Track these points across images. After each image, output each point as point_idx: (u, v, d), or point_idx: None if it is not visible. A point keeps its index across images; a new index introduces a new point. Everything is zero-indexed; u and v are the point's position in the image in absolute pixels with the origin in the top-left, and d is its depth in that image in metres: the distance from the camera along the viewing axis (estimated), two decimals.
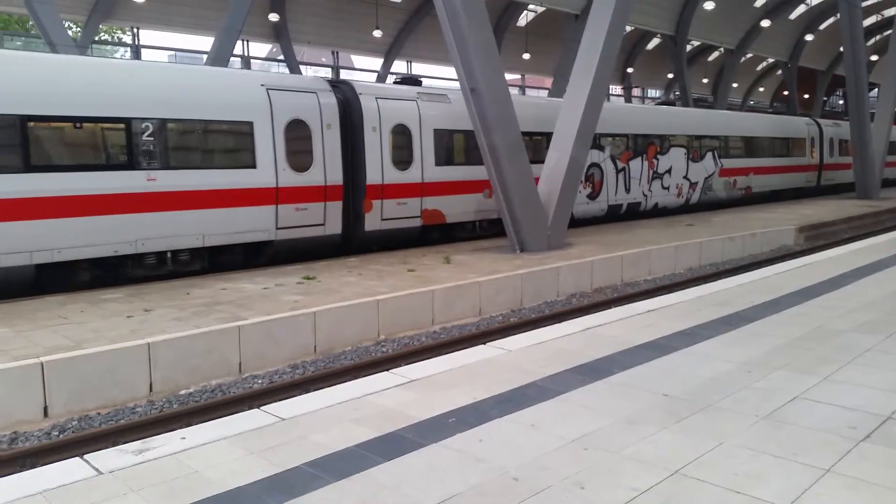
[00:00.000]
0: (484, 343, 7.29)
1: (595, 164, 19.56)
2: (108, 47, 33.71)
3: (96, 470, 4.14)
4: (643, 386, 5.42)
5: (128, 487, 3.89)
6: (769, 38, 43.19)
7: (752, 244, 17.74)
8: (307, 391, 7.21)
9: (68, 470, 4.19)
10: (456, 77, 13.98)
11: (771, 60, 52.39)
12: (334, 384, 6.94)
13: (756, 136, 27.04)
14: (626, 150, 20.71)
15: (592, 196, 19.72)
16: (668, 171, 22.46)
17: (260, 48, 36.61)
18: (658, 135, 22.08)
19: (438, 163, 15.75)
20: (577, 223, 18.17)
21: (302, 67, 32.74)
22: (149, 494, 3.80)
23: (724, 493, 3.68)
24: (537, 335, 7.30)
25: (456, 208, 16.25)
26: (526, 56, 36.95)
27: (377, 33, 31.71)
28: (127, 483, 3.95)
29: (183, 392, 7.84)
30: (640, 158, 21.19)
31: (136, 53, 29.76)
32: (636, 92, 49.81)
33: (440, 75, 38.26)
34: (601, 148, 19.61)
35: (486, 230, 17.13)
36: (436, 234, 16.28)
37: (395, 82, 19.54)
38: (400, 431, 4.59)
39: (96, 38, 28.40)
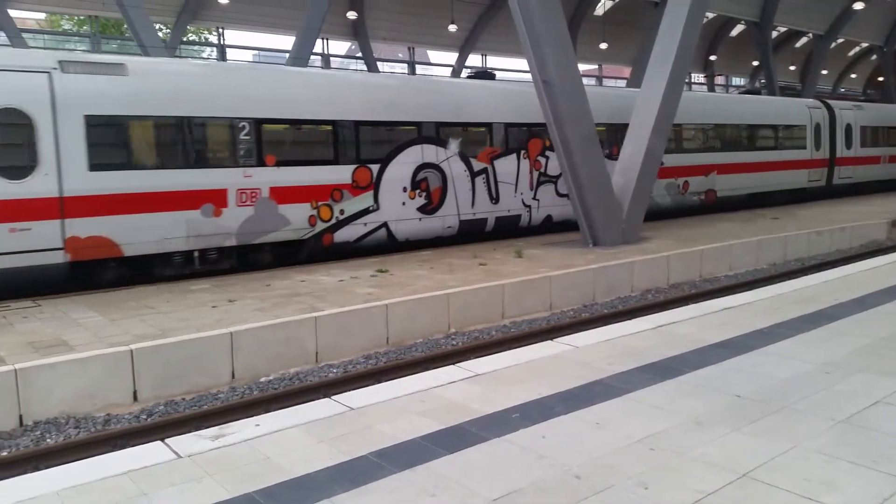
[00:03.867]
0: (552, 339, 7.25)
1: (430, 167, 14.68)
2: (196, 48, 35.16)
3: (175, 454, 4.39)
4: (715, 386, 5.28)
5: (204, 472, 4.11)
6: (863, 21, 40.66)
7: (840, 239, 16.86)
8: (379, 382, 7.39)
9: (150, 453, 4.46)
10: (529, 69, 13.89)
11: (865, 45, 49.41)
12: (404, 376, 7.10)
13: (719, 123, 21.09)
14: (491, 145, 15.70)
15: (428, 209, 14.70)
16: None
17: (339, 46, 37.36)
18: (542, 124, 15.87)
19: (101, 166, 10.83)
20: (408, 245, 14.61)
21: (378, 64, 33.21)
22: (222, 479, 4.00)
23: (794, 498, 3.56)
24: (607, 332, 7.21)
25: (142, 234, 11.22)
26: (603, 46, 36.21)
27: (452, 28, 31.81)
28: (203, 467, 4.17)
29: (263, 379, 8.17)
30: (515, 156, 16.11)
31: (222, 53, 30.96)
32: (719, 80, 48.04)
33: (515, 68, 38.06)
34: (442, 143, 14.81)
35: (215, 263, 12.20)
36: (109, 273, 11.34)
37: (469, 76, 19.58)
38: (464, 425, 4.65)
39: (184, 39, 29.67)
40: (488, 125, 15.74)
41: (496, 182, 15.79)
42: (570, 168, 13.93)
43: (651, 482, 3.79)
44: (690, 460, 4.04)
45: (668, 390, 5.25)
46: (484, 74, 18.79)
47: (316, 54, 28.90)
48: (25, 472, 5.48)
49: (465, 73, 33.37)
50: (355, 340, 9.14)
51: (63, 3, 26.80)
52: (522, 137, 16.24)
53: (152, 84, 11.50)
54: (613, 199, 14.64)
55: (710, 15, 36.34)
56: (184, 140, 11.73)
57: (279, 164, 12.59)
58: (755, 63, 44.89)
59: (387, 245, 14.23)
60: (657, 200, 18.80)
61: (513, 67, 38.23)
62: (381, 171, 13.93)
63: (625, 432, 4.46)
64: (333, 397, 5.42)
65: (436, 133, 14.74)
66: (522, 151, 16.26)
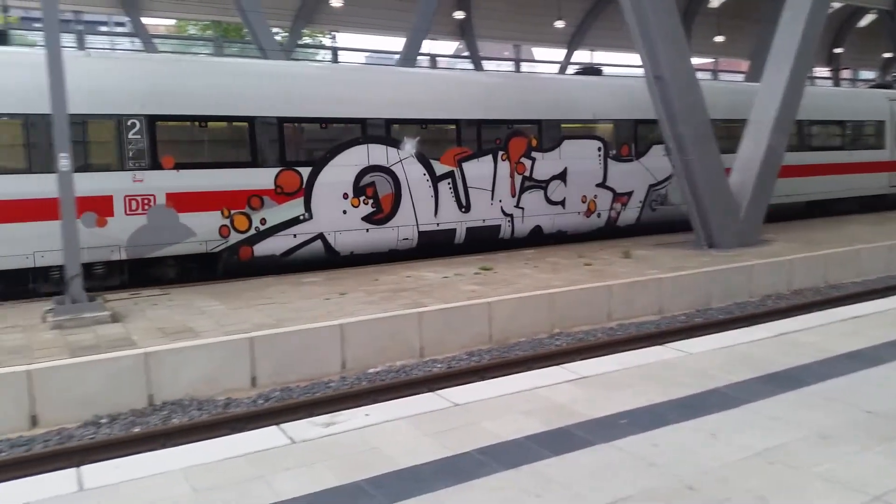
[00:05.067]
0: (662, 344, 7.02)
1: (378, 170, 12.78)
2: (310, 50, 36.52)
3: (290, 439, 4.58)
4: (842, 399, 4.93)
5: (315, 458, 4.26)
6: None
7: None
8: (482, 379, 7.40)
9: (266, 437, 4.69)
10: (641, 65, 13.49)
11: None
12: (507, 374, 7.09)
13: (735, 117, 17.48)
14: (459, 145, 13.65)
15: (376, 218, 12.86)
16: (559, 178, 14.87)
17: (444, 46, 37.72)
18: (537, 120, 14.53)
19: None
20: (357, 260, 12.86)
21: (483, 63, 33.28)
22: (333, 466, 4.14)
23: None
24: (723, 338, 6.90)
25: (8, 247, 10.00)
26: (719, 39, 34.62)
27: (559, 24, 31.38)
28: (315, 453, 4.33)
29: (371, 370, 8.40)
30: (490, 158, 13.98)
31: (335, 56, 32.00)
32: (846, 74, 44.76)
33: (625, 63, 37.08)
34: (393, 143, 12.91)
35: (103, 279, 10.84)
36: None
37: (576, 73, 19.26)
38: (570, 427, 4.59)
39: (299, 42, 30.90)
40: (454, 122, 13.59)
41: (466, 187, 13.70)
42: (684, 167, 13.44)
43: (770, 498, 3.59)
44: (813, 477, 3.80)
45: (789, 402, 4.96)
46: (590, 71, 18.41)
47: (424, 55, 29.30)
48: (154, 449, 5.90)
49: (571, 69, 32.88)
50: (458, 337, 9.21)
51: (190, 9, 28.54)
52: (500, 136, 14.10)
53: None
54: (730, 199, 13.98)
55: (836, 4, 33.89)
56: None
57: (179, 166, 10.94)
58: (887, 55, 41.48)
59: (327, 259, 12.49)
60: (682, 209, 15.50)
61: (622, 63, 37.27)
62: (313, 175, 12.12)
63: (742, 444, 4.25)
64: (438, 392, 5.50)
65: (385, 131, 12.79)
66: (500, 152, 14.05)
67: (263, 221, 11.74)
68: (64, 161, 8.60)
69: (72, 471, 4.29)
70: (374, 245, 12.92)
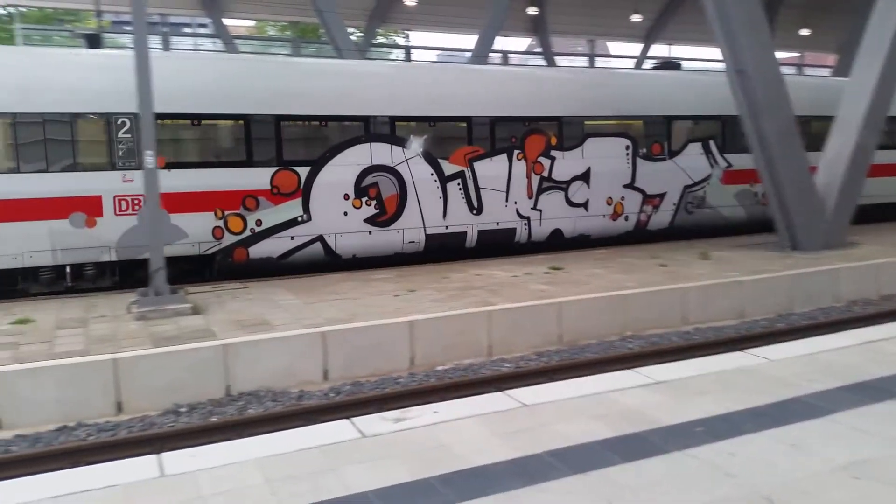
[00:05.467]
0: (742, 349, 6.77)
1: (382, 169, 12.20)
2: (384, 49, 36.98)
3: (360, 432, 4.65)
4: None
5: (386, 452, 4.31)
6: None
7: None
8: (551, 380, 7.32)
9: (338, 430, 4.77)
10: (722, 59, 13.03)
11: None
12: (577, 376, 6.98)
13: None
14: (470, 143, 12.89)
15: (380, 220, 12.32)
16: (581, 178, 13.91)
17: (517, 43, 37.50)
18: (557, 116, 13.66)
19: None
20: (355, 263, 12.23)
21: (556, 59, 32.90)
22: (403, 461, 4.17)
23: None
24: (806, 345, 6.61)
25: None
26: (804, 32, 33.10)
27: (636, 17, 30.69)
28: (385, 448, 4.38)
29: (439, 368, 8.44)
30: (505, 157, 13.21)
31: (408, 55, 32.31)
32: None
33: (705, 57, 35.94)
34: (398, 142, 12.30)
35: (94, 280, 10.74)
36: None
37: (654, 67, 18.79)
38: (642, 433, 4.48)
39: (373, 42, 31.33)
40: (465, 119, 12.82)
41: (477, 188, 13.01)
42: (767, 164, 12.92)
43: None
44: None
45: (877, 414, 4.70)
46: (668, 65, 17.89)
47: (496, 52, 29.22)
48: (230, 439, 6.10)
49: (648, 63, 32.10)
50: (527, 336, 9.14)
51: (269, 10, 29.34)
52: (516, 134, 13.28)
53: None
54: (816, 199, 13.35)
55: None
56: (44, 140, 10.08)
57: (170, 166, 10.56)
58: None
59: (329, 263, 12.03)
60: (722, 212, 15.49)
61: (702, 57, 36.13)
62: (312, 175, 11.64)
63: (825, 456, 4.06)
64: (507, 392, 5.47)
65: (389, 129, 12.18)
66: (516, 151, 13.26)
67: (259, 223, 11.35)
68: (149, 158, 8.99)
69: (153, 457, 4.48)
70: (378, 248, 12.34)
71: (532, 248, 13.66)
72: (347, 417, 5.18)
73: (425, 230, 12.60)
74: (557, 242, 13.92)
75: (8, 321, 8.59)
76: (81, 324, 8.52)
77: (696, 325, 10.04)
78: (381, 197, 12.17)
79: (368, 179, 12.02)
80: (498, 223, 13.26)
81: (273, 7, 26.54)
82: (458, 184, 12.84)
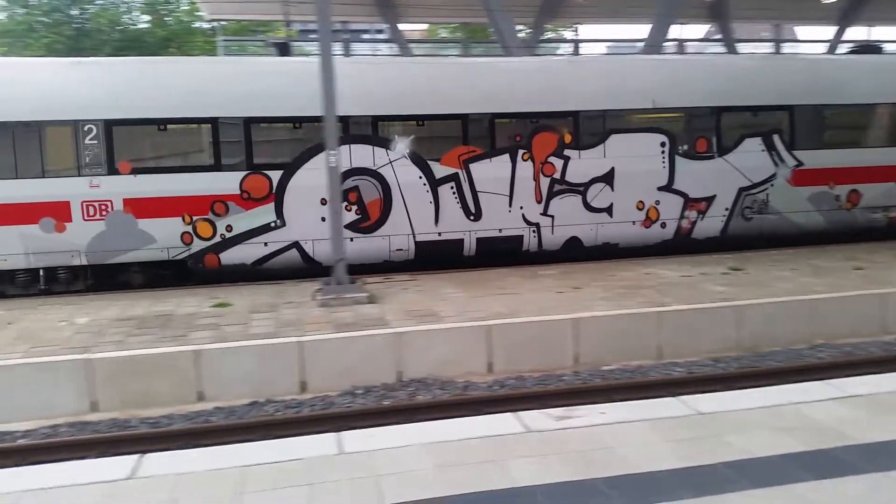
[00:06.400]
0: None
1: (363, 172, 11.35)
2: (552, 45, 36.71)
3: (525, 427, 4.68)
4: None
5: (550, 449, 4.30)
6: None
7: None
8: (729, 388, 6.91)
9: (503, 423, 4.83)
10: None
11: None
12: (758, 385, 6.55)
13: None
14: (465, 143, 11.70)
15: (362, 226, 11.48)
16: (603, 180, 12.25)
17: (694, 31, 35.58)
18: (571, 111, 12.09)
19: None
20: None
21: (738, 46, 30.79)
22: (567, 459, 4.14)
23: None
24: None
25: None
26: None
27: None
28: (550, 445, 4.37)
29: (605, 368, 8.26)
30: (507, 158, 11.88)
31: (576, 49, 31.80)
32: None
33: None
34: (381, 142, 11.39)
35: (68, 283, 10.79)
36: None
37: (850, 52, 17.01)
38: (834, 450, 4.10)
39: (541, 38, 31.20)
40: (459, 117, 11.71)
41: (475, 192, 11.82)
42: None
43: None
44: None
45: None
46: (867, 49, 16.08)
47: (671, 41, 27.95)
48: (401, 422, 6.39)
49: (843, 48, 29.10)
50: (702, 341, 8.67)
51: (441, 13, 30.20)
52: (519, 132, 11.98)
53: None
54: None
55: None
56: (13, 147, 10.21)
57: (136, 171, 10.56)
58: None
59: (307, 269, 11.40)
60: (793, 219, 13.25)
61: None
62: (284, 179, 11.09)
63: None
64: (680, 397, 5.23)
65: (371, 129, 11.40)
66: (521, 151, 11.93)
67: (229, 228, 10.97)
68: (332, 158, 9.62)
69: (333, 435, 4.81)
70: (361, 255, 11.47)
71: (547, 257, 12.29)
72: (511, 411, 5.24)
73: (414, 237, 11.64)
74: (574, 252, 12.38)
75: (209, 304, 9.59)
76: (272, 308, 9.31)
77: None
78: (362, 201, 11.41)
79: (348, 183, 11.19)
80: (500, 230, 12.03)
81: (445, 10, 27.27)
82: (452, 187, 11.72)
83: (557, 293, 9.83)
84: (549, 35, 35.08)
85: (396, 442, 4.53)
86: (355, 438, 4.69)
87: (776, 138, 13.02)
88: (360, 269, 11.05)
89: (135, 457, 4.52)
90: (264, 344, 7.72)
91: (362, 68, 12.33)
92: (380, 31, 38.17)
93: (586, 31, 31.78)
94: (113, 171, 10.47)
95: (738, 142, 12.89)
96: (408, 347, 7.93)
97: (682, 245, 12.81)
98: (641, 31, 28.69)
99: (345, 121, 11.04)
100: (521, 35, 24.92)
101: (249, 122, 10.94)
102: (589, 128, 12.23)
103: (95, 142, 10.44)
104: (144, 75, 11.00)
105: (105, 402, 7.24)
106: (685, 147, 12.63)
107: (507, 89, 12.05)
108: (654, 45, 22.71)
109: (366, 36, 39.69)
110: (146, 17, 30.26)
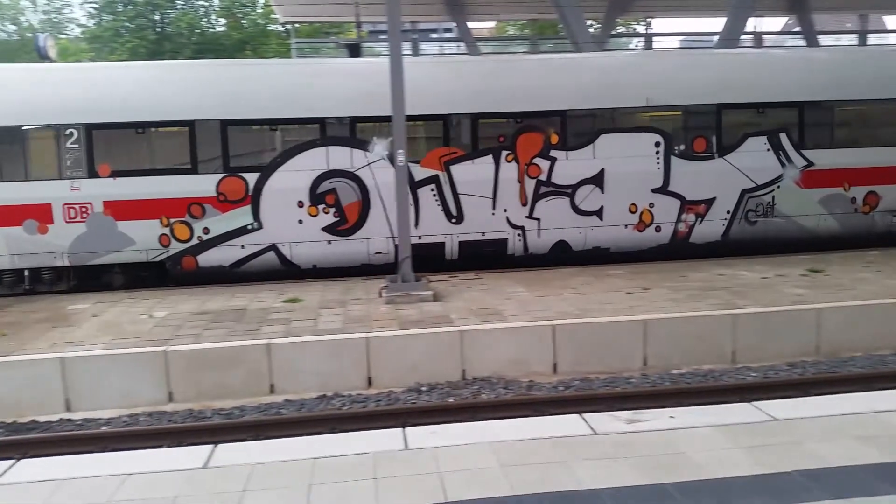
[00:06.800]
0: None
1: (340, 175, 11.14)
2: (623, 40, 36.05)
3: (592, 429, 4.61)
4: None
5: (618, 452, 4.23)
6: None
7: None
8: (806, 394, 6.65)
9: (568, 424, 4.78)
10: None
11: None
12: (838, 392, 6.25)
13: None
14: (446, 144, 11.45)
15: (340, 229, 11.29)
16: (592, 182, 11.70)
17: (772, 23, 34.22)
18: (558, 111, 11.60)
19: None
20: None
21: (821, 38, 29.46)
22: (636, 463, 4.06)
23: None
24: None
25: None
26: None
27: None
28: (617, 448, 4.29)
29: (675, 371, 8.05)
30: (490, 159, 11.48)
31: (648, 43, 31.11)
32: None
33: None
34: (359, 144, 11.15)
35: (52, 283, 10.99)
36: None
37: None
38: None
39: (612, 33, 30.66)
40: (440, 118, 11.44)
41: (456, 195, 11.50)
42: None
43: None
44: None
45: None
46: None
47: (748, 33, 26.97)
48: (464, 420, 6.42)
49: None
50: (778, 345, 8.34)
51: (510, 10, 30.07)
52: (502, 133, 11.58)
53: None
54: None
55: None
56: None
57: (115, 174, 10.72)
58: None
59: (286, 272, 11.39)
60: (801, 223, 12.39)
61: None
62: (261, 182, 11.06)
63: None
64: (754, 403, 5.06)
65: (349, 131, 11.21)
66: (505, 153, 11.55)
67: (206, 231, 11.00)
68: (400, 156, 9.72)
69: (398, 430, 4.86)
70: (341, 258, 11.45)
71: (533, 261, 11.88)
72: (577, 413, 5.17)
73: (394, 240, 11.11)
74: (563, 256, 11.81)
75: (281, 300, 9.85)
76: (340, 305, 9.49)
77: None
78: (339, 204, 11.24)
79: (325, 185, 11.13)
80: (484, 233, 11.69)
81: (514, 6, 27.15)
82: (432, 189, 11.45)
83: (626, 293, 9.64)
84: (621, 30, 34.45)
85: (461, 439, 4.55)
86: (420, 434, 4.73)
87: (783, 137, 12.26)
88: (424, 268, 10.96)
89: (209, 447, 4.69)
90: (332, 339, 7.87)
91: (340, 68, 12.36)
92: (448, 30, 38.37)
93: (659, 24, 30.98)
94: (93, 174, 10.69)
95: (740, 141, 12.19)
96: (472, 346, 7.94)
97: (679, 250, 12.24)
98: (716, 24, 27.81)
99: (322, 123, 11.13)
100: (591, 30, 24.54)
101: (226, 125, 10.95)
102: (577, 128, 11.78)
103: (76, 145, 10.67)
104: (124, 80, 11.29)
105: (181, 392, 7.54)
106: (682, 147, 12.04)
107: (490, 88, 11.75)
108: (729, 38, 22.00)
109: (434, 35, 39.93)
110: (223, 21, 31.33)
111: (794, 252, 12.13)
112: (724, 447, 4.23)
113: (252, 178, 11.03)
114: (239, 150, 11.07)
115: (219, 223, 11.02)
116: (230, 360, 7.61)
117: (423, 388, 7.63)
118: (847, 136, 12.61)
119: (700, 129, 12.06)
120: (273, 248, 11.28)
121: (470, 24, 28.06)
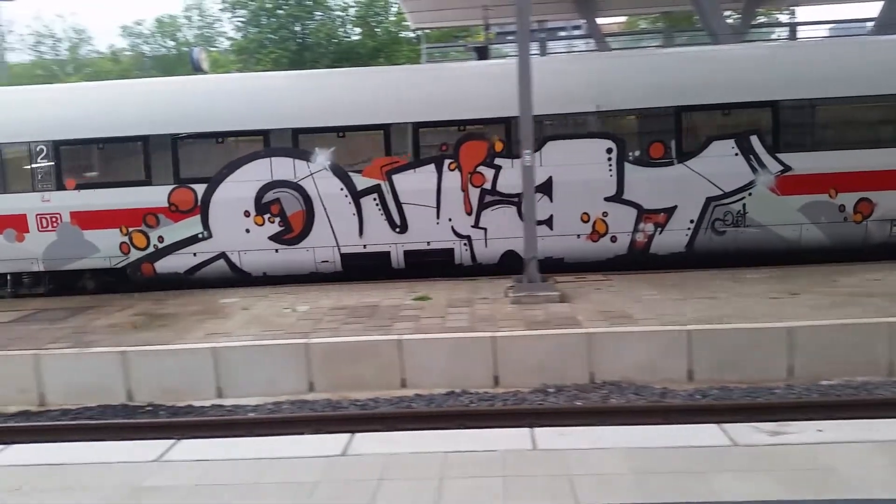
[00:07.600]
0: None
1: (284, 185, 11.36)
2: (765, 30, 33.98)
3: (731, 441, 4.41)
4: None
5: (759, 465, 4.02)
6: None
7: None
8: None
9: (705, 434, 4.60)
10: None
11: None
12: None
13: None
14: (388, 154, 11.37)
15: (286, 238, 11.53)
16: (539, 191, 10.84)
17: None
18: (502, 118, 11.01)
19: None
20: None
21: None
22: (778, 477, 3.85)
23: None
24: None
25: None
26: None
27: None
28: (759, 461, 4.09)
29: (823, 383, 7.51)
30: (432, 168, 11.31)
31: (792, 33, 29.10)
32: None
33: None
34: (302, 155, 11.33)
35: (31, 287, 12.09)
36: None
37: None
38: None
39: (753, 23, 28.95)
40: (382, 127, 11.43)
41: (399, 204, 11.43)
42: None
43: None
44: None
45: None
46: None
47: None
48: (592, 424, 6.31)
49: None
50: None
51: (641, 4, 29.18)
52: (445, 141, 11.34)
53: None
54: None
55: None
56: None
57: (79, 187, 11.64)
58: None
59: (237, 279, 11.80)
60: (779, 233, 11.36)
61: None
62: (208, 193, 11.50)
63: None
64: None
65: (292, 142, 11.41)
66: (447, 161, 11.32)
67: (161, 239, 11.68)
68: (527, 157, 9.73)
69: (526, 430, 4.89)
70: (289, 266, 11.79)
71: (478, 270, 11.60)
72: (715, 423, 4.96)
73: (339, 249, 11.64)
74: (515, 265, 10.84)
75: (411, 297, 10.15)
76: (468, 304, 9.64)
77: None
78: (284, 214, 11.54)
79: (269, 196, 11.50)
80: (429, 243, 11.61)
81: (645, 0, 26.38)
82: (375, 199, 11.51)
83: (770, 298, 9.11)
84: (762, 20, 32.47)
85: (591, 443, 4.50)
86: (548, 435, 4.73)
87: (754, 140, 11.27)
88: (551, 268, 11.02)
89: (346, 436, 4.93)
90: (460, 337, 8.02)
91: (286, 82, 12.77)
92: (576, 27, 37.79)
93: (804, 13, 28.86)
94: (61, 186, 11.65)
95: (703, 145, 11.36)
96: (600, 348, 7.81)
97: (639, 261, 11.59)
98: (871, 10, 25.60)
99: (265, 134, 11.54)
100: (729, 21, 23.32)
101: (176, 139, 11.60)
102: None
103: (46, 160, 11.69)
104: (85, 99, 12.28)
105: (320, 383, 7.98)
106: (637, 153, 11.39)
107: (431, 97, 11.68)
108: (886, 24, 20.19)
109: (562, 33, 39.46)
110: (358, 30, 32.61)
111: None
112: (878, 465, 3.92)
113: (200, 188, 11.60)
114: (188, 163, 11.71)
115: (172, 232, 11.71)
116: (365, 353, 7.95)
117: (550, 390, 7.60)
118: (832, 138, 11.34)
119: (656, 134, 11.44)
120: (223, 255, 11.84)
121: (599, 21, 27.47)
